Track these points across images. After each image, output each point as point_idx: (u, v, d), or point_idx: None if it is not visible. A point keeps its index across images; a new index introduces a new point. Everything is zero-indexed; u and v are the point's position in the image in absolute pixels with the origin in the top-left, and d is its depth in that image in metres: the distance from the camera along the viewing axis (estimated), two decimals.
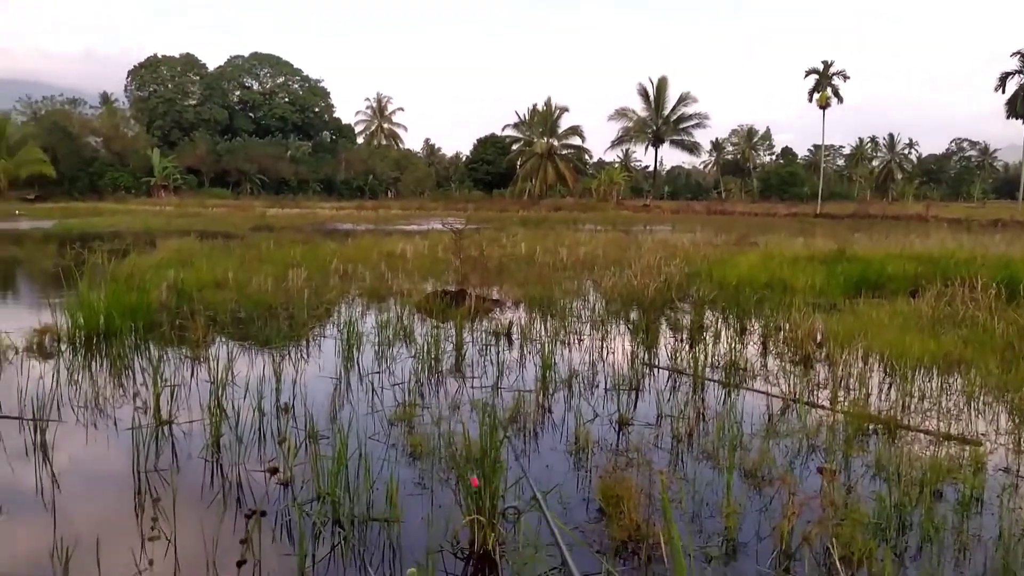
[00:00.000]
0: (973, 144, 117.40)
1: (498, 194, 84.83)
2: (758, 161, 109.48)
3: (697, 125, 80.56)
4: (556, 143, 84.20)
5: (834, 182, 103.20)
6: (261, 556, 3.67)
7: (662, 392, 6.82)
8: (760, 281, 13.51)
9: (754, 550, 3.86)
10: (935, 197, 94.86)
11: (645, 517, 3.98)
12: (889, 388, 7.15)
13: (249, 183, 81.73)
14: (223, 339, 9.04)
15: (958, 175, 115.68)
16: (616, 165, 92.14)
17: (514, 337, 9.25)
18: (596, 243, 22.18)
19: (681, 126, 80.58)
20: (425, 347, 8.03)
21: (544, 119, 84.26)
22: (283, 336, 9.06)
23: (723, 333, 9.66)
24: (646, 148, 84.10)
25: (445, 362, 7.90)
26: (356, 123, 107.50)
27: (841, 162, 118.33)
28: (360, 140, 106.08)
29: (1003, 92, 65.28)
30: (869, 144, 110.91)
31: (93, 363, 7.85)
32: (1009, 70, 64.29)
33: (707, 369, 7.49)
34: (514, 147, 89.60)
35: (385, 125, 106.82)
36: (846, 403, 6.39)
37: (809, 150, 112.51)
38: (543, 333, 9.50)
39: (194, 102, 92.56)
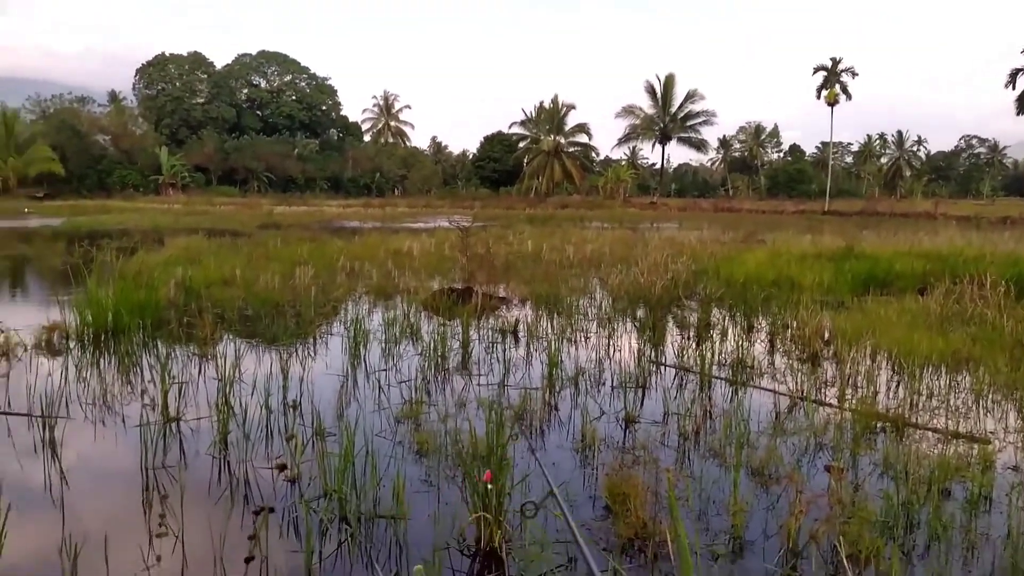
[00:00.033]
0: (982, 141, 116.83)
1: (505, 192, 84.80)
2: (766, 158, 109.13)
3: (704, 122, 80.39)
4: (563, 141, 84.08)
5: (842, 179, 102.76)
6: (268, 552, 3.69)
7: (669, 390, 6.81)
8: (767, 279, 13.48)
9: (761, 548, 3.85)
10: (944, 194, 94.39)
11: (652, 515, 3.98)
12: (897, 386, 7.12)
13: (256, 181, 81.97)
14: (231, 336, 9.07)
15: (967, 172, 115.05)
16: (623, 163, 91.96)
17: (520, 335, 9.25)
18: (603, 241, 22.15)
19: (688, 123, 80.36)
20: (432, 345, 8.03)
21: (551, 117, 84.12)
22: (290, 334, 9.09)
23: (730, 331, 9.65)
24: (653, 145, 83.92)
25: (452, 360, 7.90)
26: (363, 121, 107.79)
27: (849, 159, 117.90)
28: (367, 138, 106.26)
29: (1013, 88, 64.78)
30: (878, 141, 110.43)
31: (101, 360, 7.89)
32: (1019, 66, 63.78)
33: (714, 367, 7.48)
34: (521, 145, 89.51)
35: (392, 123, 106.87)
36: (854, 401, 6.37)
37: (817, 147, 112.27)
38: (550, 331, 9.49)
39: (202, 100, 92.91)
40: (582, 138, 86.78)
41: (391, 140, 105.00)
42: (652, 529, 3.87)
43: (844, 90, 70.40)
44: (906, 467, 4.73)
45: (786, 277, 13.55)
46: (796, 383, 6.99)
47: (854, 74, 70.45)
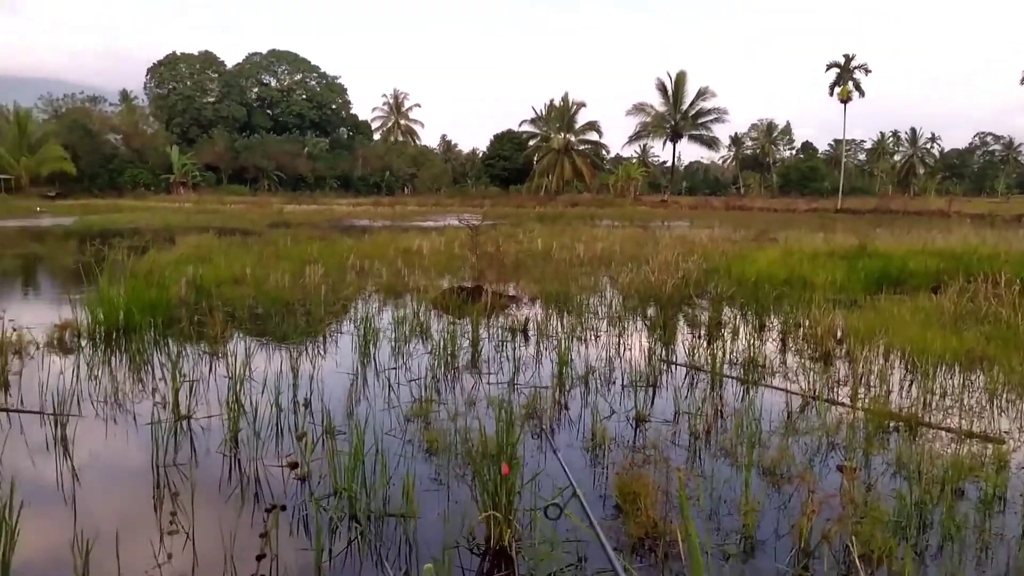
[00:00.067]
0: (997, 138, 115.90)
1: (515, 190, 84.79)
2: (778, 156, 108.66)
3: (716, 120, 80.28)
4: (573, 138, 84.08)
5: (855, 177, 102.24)
6: (278, 550, 3.69)
7: (680, 389, 6.79)
8: (779, 277, 13.41)
9: (772, 548, 3.83)
10: (958, 192, 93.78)
11: (662, 514, 3.96)
12: (910, 385, 7.07)
13: (267, 180, 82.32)
14: (241, 335, 9.10)
15: (981, 170, 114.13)
16: (634, 160, 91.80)
17: (530, 333, 9.24)
18: (613, 239, 22.11)
19: (700, 121, 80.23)
20: (441, 343, 8.03)
21: (561, 114, 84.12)
22: (300, 332, 9.11)
23: (741, 329, 9.60)
24: (664, 143, 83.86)
25: (461, 358, 7.90)
26: (373, 120, 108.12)
27: (862, 157, 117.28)
28: (377, 136, 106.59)
29: None
30: (891, 138, 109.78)
31: (113, 358, 7.93)
32: None
33: (725, 366, 7.44)
34: (531, 143, 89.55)
35: (402, 121, 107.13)
36: (866, 400, 6.32)
37: (830, 144, 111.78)
38: (560, 329, 9.48)
39: (213, 99, 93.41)
40: (592, 136, 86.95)
41: (401, 139, 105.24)
42: (663, 528, 3.85)
43: (857, 87, 70.10)
44: (919, 467, 4.69)
45: (798, 276, 13.48)
46: (808, 382, 6.95)
47: (867, 71, 70.16)
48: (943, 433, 5.62)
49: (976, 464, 4.79)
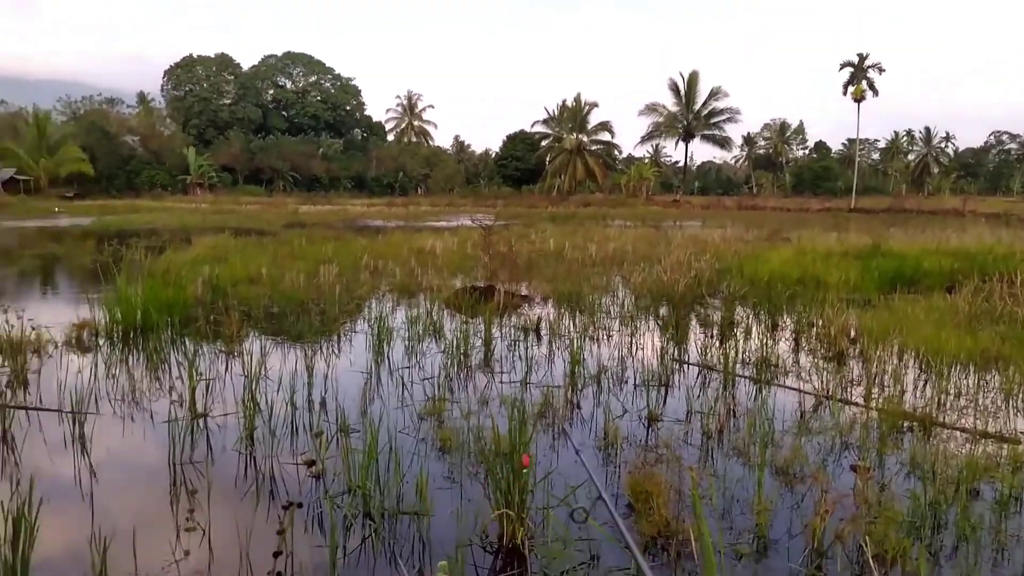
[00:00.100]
0: (1013, 137, 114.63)
1: (527, 190, 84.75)
2: (791, 155, 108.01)
3: (728, 119, 79.82)
4: (585, 139, 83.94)
5: (869, 176, 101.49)
6: (293, 547, 3.72)
7: (692, 388, 6.78)
8: (792, 277, 13.36)
9: (785, 547, 3.83)
10: (973, 191, 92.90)
11: (675, 513, 3.97)
12: (924, 385, 7.03)
13: (282, 180, 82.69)
14: (257, 334, 9.16)
15: (997, 168, 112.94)
16: (646, 160, 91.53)
17: (543, 333, 9.25)
18: (625, 239, 22.08)
19: (712, 121, 79.83)
20: (454, 342, 8.06)
21: (574, 115, 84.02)
22: (315, 331, 9.17)
23: (754, 329, 9.58)
24: (676, 143, 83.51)
25: (474, 357, 7.93)
26: (387, 121, 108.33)
27: (876, 156, 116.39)
28: (390, 137, 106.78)
29: None
30: (905, 138, 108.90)
31: (130, 357, 8.01)
32: None
33: (738, 365, 7.43)
34: (543, 143, 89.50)
35: (415, 122, 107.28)
36: (880, 400, 6.30)
37: (843, 144, 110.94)
38: (572, 329, 9.48)
39: (229, 101, 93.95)
40: (605, 136, 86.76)
41: (414, 139, 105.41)
42: (675, 528, 3.86)
43: (871, 86, 69.53)
44: (933, 467, 4.68)
45: (811, 275, 13.42)
46: (821, 382, 6.93)
47: (881, 70, 69.57)
48: (958, 433, 5.59)
49: (991, 464, 4.76)
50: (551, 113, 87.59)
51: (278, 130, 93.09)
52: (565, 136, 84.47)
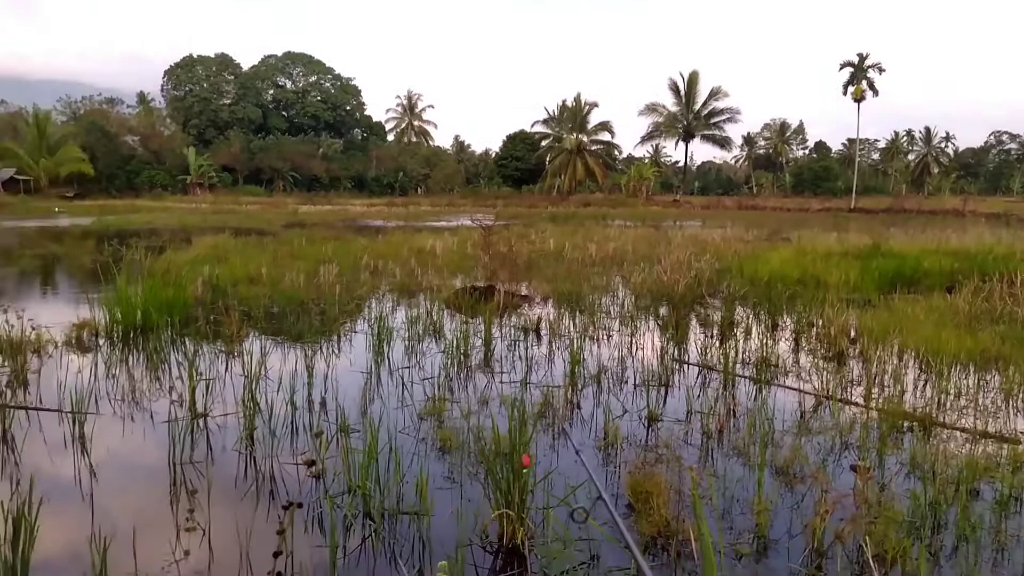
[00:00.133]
0: (1013, 137, 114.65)
1: (527, 190, 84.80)
2: (791, 155, 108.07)
3: (728, 120, 79.84)
4: (585, 139, 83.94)
5: (869, 176, 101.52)
6: (293, 547, 3.72)
7: (692, 388, 6.78)
8: (792, 277, 13.36)
9: (785, 547, 3.83)
10: (973, 191, 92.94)
11: (675, 513, 3.97)
12: (924, 385, 7.03)
13: (282, 180, 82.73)
14: (257, 334, 9.16)
15: (997, 168, 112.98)
16: (646, 160, 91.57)
17: (543, 333, 9.25)
18: (625, 239, 22.07)
19: (712, 121, 79.85)
20: (454, 342, 8.06)
21: (574, 115, 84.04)
22: (315, 331, 9.17)
23: (754, 329, 9.58)
24: (676, 143, 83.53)
25: (474, 357, 7.93)
26: (387, 121, 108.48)
27: (876, 156, 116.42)
28: (391, 137, 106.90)
29: None
30: (905, 138, 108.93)
31: (130, 357, 8.01)
32: None
33: (738, 365, 7.43)
34: (543, 143, 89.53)
35: (415, 122, 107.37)
36: (880, 400, 6.30)
37: (843, 144, 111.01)
38: (572, 329, 9.48)
39: (229, 101, 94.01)
40: (605, 136, 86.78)
41: (414, 139, 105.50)
42: (675, 527, 3.86)
43: (871, 86, 69.53)
44: (933, 467, 4.68)
45: (811, 275, 13.43)
46: (821, 382, 6.93)
47: (881, 70, 69.58)
48: (958, 433, 5.59)
49: (991, 464, 4.77)
50: (551, 113, 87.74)
51: (278, 130, 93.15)
52: (565, 136, 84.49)
